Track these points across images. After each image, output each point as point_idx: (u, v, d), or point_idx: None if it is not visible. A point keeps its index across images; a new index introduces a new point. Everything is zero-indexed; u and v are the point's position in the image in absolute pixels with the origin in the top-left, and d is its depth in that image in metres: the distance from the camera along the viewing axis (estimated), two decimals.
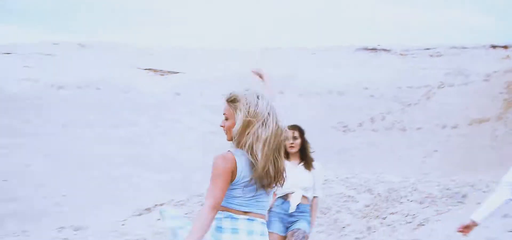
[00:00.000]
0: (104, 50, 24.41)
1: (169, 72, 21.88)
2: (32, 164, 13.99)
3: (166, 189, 14.03)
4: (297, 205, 4.48)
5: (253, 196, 2.63)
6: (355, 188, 9.21)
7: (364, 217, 7.98)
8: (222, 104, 2.79)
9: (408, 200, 8.46)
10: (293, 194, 4.51)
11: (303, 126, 4.65)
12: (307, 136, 4.62)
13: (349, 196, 8.94)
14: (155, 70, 22.59)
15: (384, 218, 7.81)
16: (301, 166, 4.57)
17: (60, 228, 7.82)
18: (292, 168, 4.48)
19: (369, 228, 7.53)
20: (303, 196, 4.53)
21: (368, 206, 8.42)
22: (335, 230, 7.63)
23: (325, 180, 9.55)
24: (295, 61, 22.85)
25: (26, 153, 14.33)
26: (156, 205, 10.61)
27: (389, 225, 7.54)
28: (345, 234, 7.43)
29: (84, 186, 13.54)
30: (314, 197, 4.58)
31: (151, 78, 21.50)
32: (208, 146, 15.90)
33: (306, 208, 4.51)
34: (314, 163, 4.60)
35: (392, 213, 7.92)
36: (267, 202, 2.68)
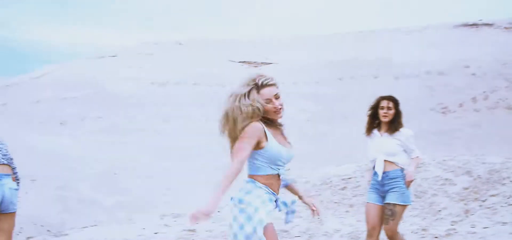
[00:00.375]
0: (200, 46, 25.29)
1: (262, 63, 22.24)
2: (138, 158, 14.90)
3: None
4: (385, 172, 4.53)
5: None
6: (453, 171, 8.87)
7: (462, 200, 7.68)
8: (281, 89, 2.94)
9: (511, 181, 8.02)
10: (376, 161, 4.58)
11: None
12: (404, 120, 4.65)
13: (446, 179, 8.62)
14: (249, 62, 23.06)
15: (483, 201, 7.47)
16: (385, 134, 4.62)
17: (162, 215, 8.31)
18: (376, 137, 4.66)
19: (466, 211, 7.24)
20: (389, 162, 4.56)
21: (466, 188, 8.08)
22: (430, 213, 7.42)
23: (421, 164, 9.29)
24: (389, 43, 22.27)
25: (133, 148, 15.27)
26: None
27: (489, 207, 7.20)
28: (441, 218, 7.20)
29: (187, 177, 14.19)
30: (412, 158, 4.61)
31: (245, 70, 21.96)
32: (303, 134, 16.02)
33: (397, 174, 4.52)
34: (401, 129, 4.59)
35: (493, 195, 7.55)
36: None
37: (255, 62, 22.72)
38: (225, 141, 3.07)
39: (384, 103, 4.59)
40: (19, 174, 4.43)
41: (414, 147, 4.65)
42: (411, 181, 4.57)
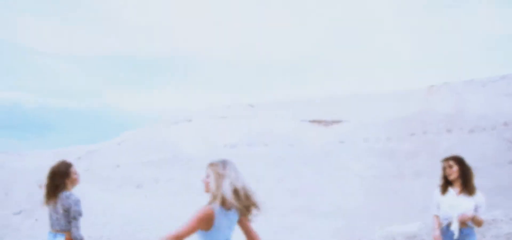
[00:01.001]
0: (271, 107, 25.79)
1: (333, 121, 22.28)
2: None
3: (333, 236, 14.19)
4: (460, 229, 4.81)
5: None
6: None
7: None
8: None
9: None
10: (453, 220, 4.83)
11: (474, 164, 4.99)
12: (479, 173, 4.88)
13: None
14: (319, 121, 23.18)
15: None
16: (461, 195, 4.85)
17: None
18: (453, 196, 4.91)
19: None
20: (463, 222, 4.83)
21: None
22: None
23: (492, 220, 8.94)
24: (463, 95, 21.67)
25: None
26: None
27: None
28: None
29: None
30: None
31: (316, 129, 22.10)
32: (373, 191, 15.79)
33: (470, 232, 4.82)
34: (477, 192, 4.87)
35: None
36: None
37: (325, 120, 22.82)
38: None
39: (445, 164, 4.90)
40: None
41: (484, 211, 4.89)
42: (464, 219, 4.76)
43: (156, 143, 21.05)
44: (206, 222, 3.59)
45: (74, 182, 4.95)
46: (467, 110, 20.15)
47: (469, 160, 5.06)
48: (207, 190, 3.61)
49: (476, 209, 4.83)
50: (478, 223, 4.76)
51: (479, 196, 4.85)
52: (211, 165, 3.58)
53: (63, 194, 4.85)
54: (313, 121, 23.49)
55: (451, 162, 4.89)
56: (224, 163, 3.58)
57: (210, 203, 3.49)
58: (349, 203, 15.65)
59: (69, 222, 4.82)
